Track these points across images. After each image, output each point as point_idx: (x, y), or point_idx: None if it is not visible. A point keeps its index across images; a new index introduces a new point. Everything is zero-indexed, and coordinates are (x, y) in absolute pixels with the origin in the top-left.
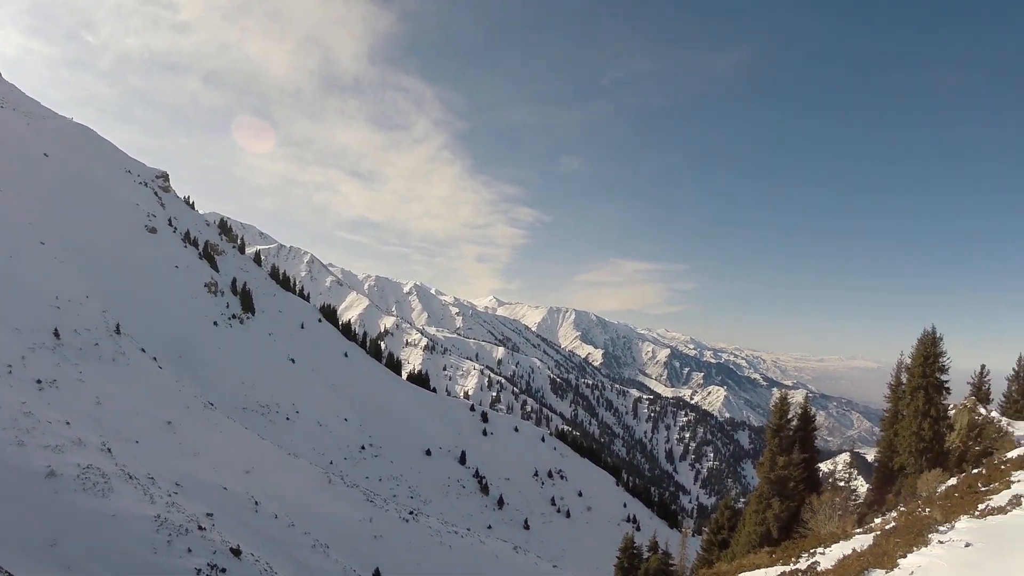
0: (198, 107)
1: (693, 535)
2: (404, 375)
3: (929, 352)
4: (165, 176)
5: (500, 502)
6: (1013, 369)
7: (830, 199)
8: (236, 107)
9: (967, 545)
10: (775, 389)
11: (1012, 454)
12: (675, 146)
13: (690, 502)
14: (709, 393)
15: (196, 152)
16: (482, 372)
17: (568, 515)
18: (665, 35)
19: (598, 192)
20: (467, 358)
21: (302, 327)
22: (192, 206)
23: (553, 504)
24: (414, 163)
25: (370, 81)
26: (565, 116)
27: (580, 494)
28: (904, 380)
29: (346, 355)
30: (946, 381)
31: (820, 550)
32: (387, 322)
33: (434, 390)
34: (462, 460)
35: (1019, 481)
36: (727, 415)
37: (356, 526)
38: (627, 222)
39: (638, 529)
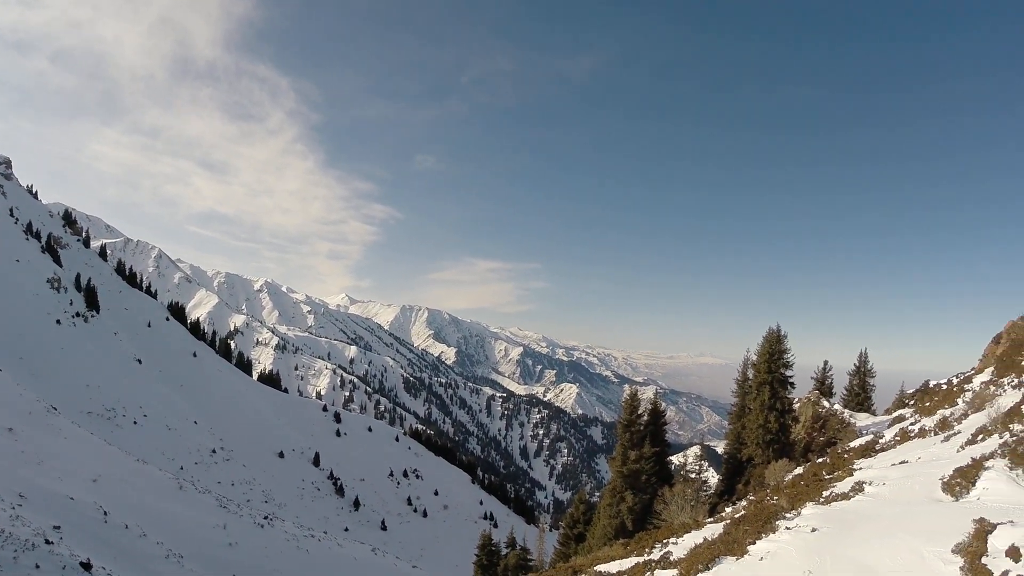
0: (44, 89)
1: (550, 530)
2: (255, 375)
3: (774, 349)
4: (7, 162)
5: (356, 503)
6: (854, 364)
7: (678, 202)
8: (84, 91)
9: (813, 530)
10: (626, 386)
11: (854, 443)
12: (528, 147)
13: (546, 497)
14: (562, 390)
15: (39, 137)
16: (334, 372)
17: (425, 514)
18: (523, 37)
19: (452, 190)
20: (319, 357)
21: (149, 326)
22: (35, 196)
23: (410, 504)
24: (267, 156)
25: (224, 69)
26: (421, 113)
27: (436, 493)
28: (751, 376)
29: (195, 355)
30: (790, 376)
31: (673, 540)
32: (237, 320)
33: (286, 390)
34: (316, 462)
35: (861, 469)
36: (580, 411)
37: (210, 533)
38: (480, 221)
39: (495, 526)
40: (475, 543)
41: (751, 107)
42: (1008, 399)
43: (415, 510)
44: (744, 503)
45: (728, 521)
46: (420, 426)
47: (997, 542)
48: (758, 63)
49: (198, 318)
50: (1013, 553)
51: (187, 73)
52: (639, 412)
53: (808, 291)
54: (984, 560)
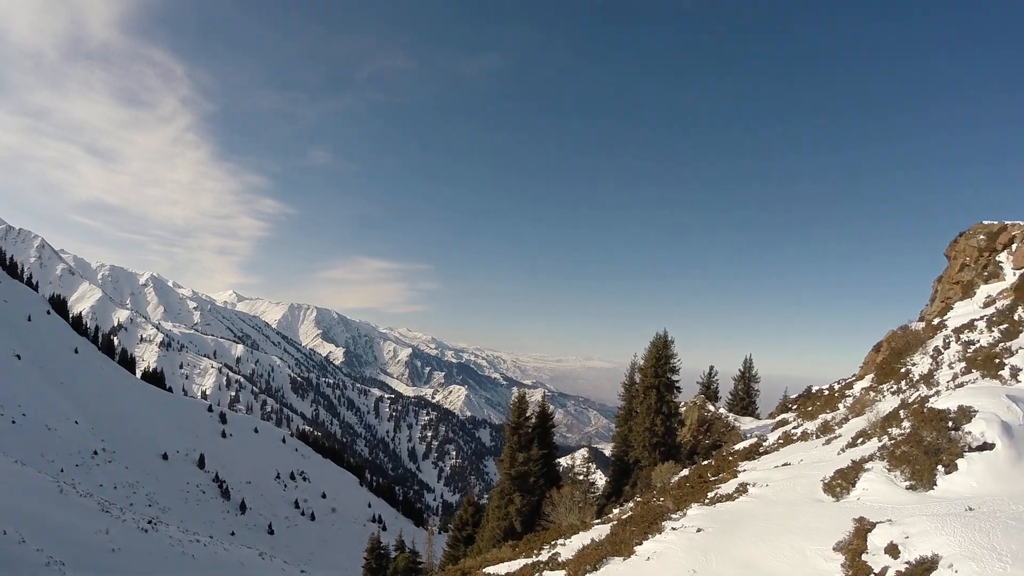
0: None
1: (439, 532)
2: (138, 373)
3: (661, 354)
4: None
5: (242, 507)
6: (739, 370)
7: (564, 209)
8: None
9: (699, 530)
10: (515, 388)
11: (739, 446)
12: (422, 147)
13: (435, 500)
14: (451, 392)
15: None
16: (220, 371)
17: (313, 517)
18: (424, 34)
19: (344, 187)
20: (205, 356)
21: (29, 320)
22: None
23: (297, 507)
24: (158, 144)
25: (119, 51)
26: (316, 106)
27: (324, 495)
28: (638, 380)
29: (77, 351)
30: (677, 380)
31: (561, 541)
32: (121, 316)
33: (170, 390)
34: (201, 464)
35: (745, 471)
36: (468, 414)
37: (92, 539)
38: (372, 220)
39: (384, 529)
40: (364, 546)
41: (637, 128)
42: (887, 404)
43: (303, 513)
44: (631, 504)
45: (615, 522)
46: (307, 427)
47: (877, 540)
48: (650, 91)
49: (81, 312)
50: (892, 550)
51: (79, 53)
52: (527, 414)
53: (696, 298)
54: (864, 557)
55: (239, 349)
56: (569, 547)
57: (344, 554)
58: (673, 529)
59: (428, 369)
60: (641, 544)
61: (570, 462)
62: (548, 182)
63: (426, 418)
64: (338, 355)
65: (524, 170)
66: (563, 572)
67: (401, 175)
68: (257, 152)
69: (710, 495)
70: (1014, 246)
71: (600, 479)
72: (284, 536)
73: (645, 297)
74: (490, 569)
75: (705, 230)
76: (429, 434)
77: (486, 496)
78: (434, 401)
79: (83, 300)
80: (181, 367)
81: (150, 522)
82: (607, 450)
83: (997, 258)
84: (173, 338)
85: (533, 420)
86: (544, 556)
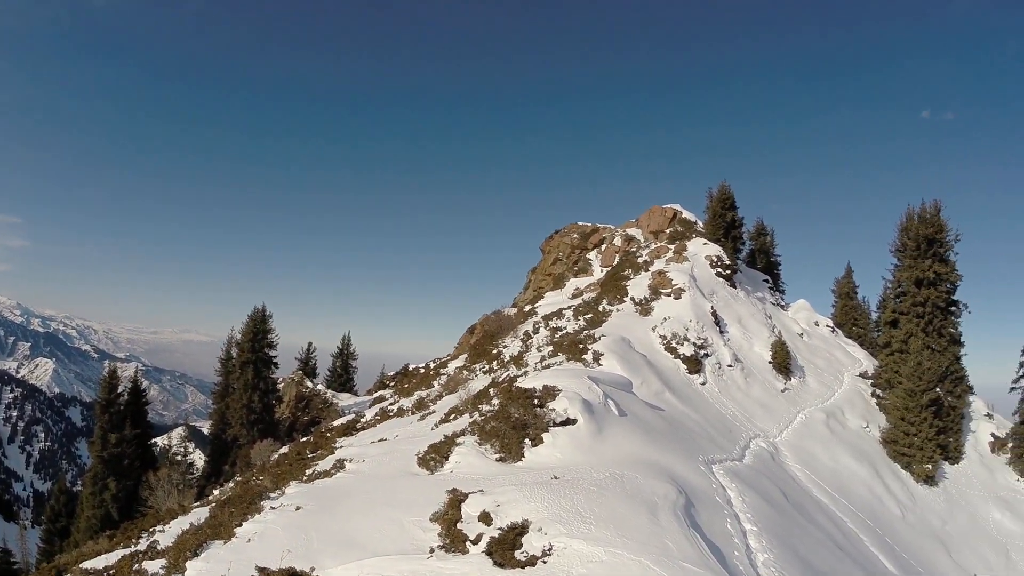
0: None
1: (32, 526)
2: None
3: (258, 328)
4: None
5: None
6: (338, 347)
7: (177, 164)
8: None
9: (298, 508)
10: (107, 362)
11: (337, 423)
12: (30, 80)
13: (24, 490)
14: (37, 366)
15: None
16: None
17: None
18: None
19: None
20: None
21: None
22: None
23: None
24: None
25: None
26: None
27: None
28: (235, 354)
29: None
30: (275, 356)
31: (160, 528)
32: None
33: None
34: None
35: (343, 447)
36: (57, 390)
37: None
38: None
39: None
40: None
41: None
42: (479, 383)
43: None
44: (231, 485)
45: (215, 504)
46: None
47: (470, 509)
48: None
49: None
50: (485, 518)
51: None
52: (119, 391)
53: (296, 275)
54: (460, 526)
55: None
56: (168, 533)
57: None
58: (272, 508)
59: (12, 339)
60: (241, 526)
61: (167, 442)
62: (170, 129)
63: (10, 396)
64: None
65: (148, 113)
66: (163, 560)
67: None
68: None
69: (308, 472)
70: (603, 246)
71: (199, 459)
72: None
73: (245, 274)
74: (87, 564)
75: (304, 207)
76: (15, 414)
77: (80, 482)
78: (19, 376)
79: None
80: None
81: None
82: (206, 428)
83: (587, 255)
84: None
85: (126, 397)
86: (143, 545)
